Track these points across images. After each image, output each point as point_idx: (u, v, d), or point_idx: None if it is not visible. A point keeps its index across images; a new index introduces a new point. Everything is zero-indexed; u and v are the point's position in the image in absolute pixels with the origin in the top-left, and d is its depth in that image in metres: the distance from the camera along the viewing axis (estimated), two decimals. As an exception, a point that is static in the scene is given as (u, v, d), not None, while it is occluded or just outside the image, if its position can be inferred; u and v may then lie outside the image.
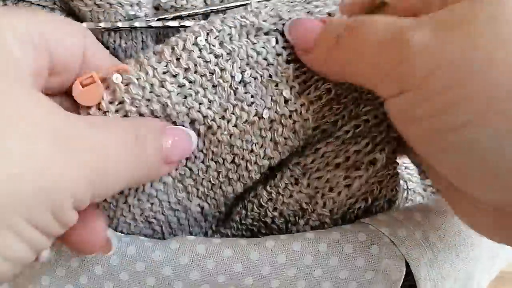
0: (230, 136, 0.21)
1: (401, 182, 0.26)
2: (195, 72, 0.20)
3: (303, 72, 0.22)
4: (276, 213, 0.23)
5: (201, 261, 0.21)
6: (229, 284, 0.21)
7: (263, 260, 0.21)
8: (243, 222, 0.24)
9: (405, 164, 0.31)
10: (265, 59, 0.21)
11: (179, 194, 0.22)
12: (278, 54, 0.21)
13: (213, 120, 0.21)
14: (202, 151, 0.21)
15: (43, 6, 0.23)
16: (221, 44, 0.21)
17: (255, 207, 0.23)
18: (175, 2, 0.25)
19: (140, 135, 0.18)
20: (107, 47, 0.25)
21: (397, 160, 0.24)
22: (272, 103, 0.21)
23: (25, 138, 0.14)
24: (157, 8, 0.25)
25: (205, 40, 0.20)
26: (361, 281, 0.22)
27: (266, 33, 0.22)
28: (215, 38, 0.21)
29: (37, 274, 0.21)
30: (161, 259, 0.21)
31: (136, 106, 0.20)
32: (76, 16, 0.25)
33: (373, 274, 0.21)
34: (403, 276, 0.22)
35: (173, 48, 0.20)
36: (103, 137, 0.17)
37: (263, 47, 0.21)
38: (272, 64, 0.21)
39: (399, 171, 0.24)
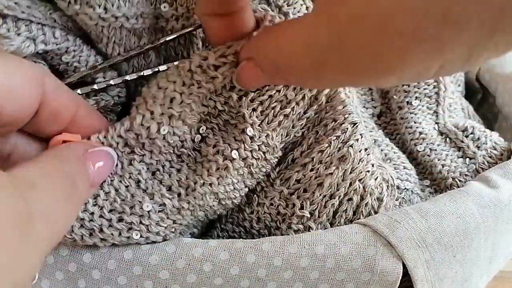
0: (211, 185, 0.22)
1: (394, 182, 0.26)
2: (159, 153, 0.21)
3: (258, 103, 0.22)
4: (253, 216, 0.24)
5: (198, 264, 0.21)
6: (225, 286, 0.21)
7: (259, 262, 0.21)
8: (223, 227, 0.25)
9: (403, 164, 0.31)
10: (214, 108, 0.22)
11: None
12: (227, 97, 0.22)
13: (187, 179, 0.22)
14: (188, 209, 0.22)
15: (43, 25, 0.23)
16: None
17: (234, 211, 0.25)
18: (176, 11, 0.25)
19: (70, 175, 0.17)
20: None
21: (384, 165, 0.24)
22: (238, 143, 0.22)
23: None
24: (157, 17, 0.25)
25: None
26: (358, 283, 0.22)
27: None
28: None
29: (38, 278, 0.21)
30: (158, 263, 0.21)
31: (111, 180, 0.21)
32: (82, 31, 0.25)
33: (370, 275, 0.21)
34: (400, 277, 0.22)
35: (137, 136, 0.21)
36: (46, 201, 0.15)
37: (210, 99, 0.22)
38: (224, 110, 0.22)
39: (379, 167, 0.25)
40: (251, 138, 0.22)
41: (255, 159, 0.23)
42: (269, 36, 0.18)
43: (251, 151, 0.22)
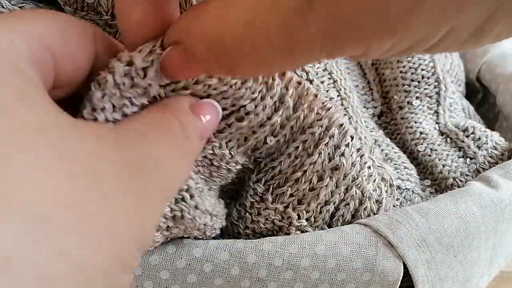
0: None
1: (395, 182, 0.26)
2: None
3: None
4: (248, 231, 0.24)
5: (198, 265, 0.21)
6: (226, 287, 0.21)
7: (260, 263, 0.21)
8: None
9: (404, 164, 0.31)
10: None
11: None
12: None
13: None
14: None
15: None
16: None
17: (228, 224, 0.24)
18: None
19: (181, 125, 0.16)
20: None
21: (384, 165, 0.24)
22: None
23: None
24: None
25: None
26: (358, 283, 0.22)
27: None
28: None
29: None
30: (158, 263, 0.21)
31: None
32: None
33: (371, 275, 0.21)
34: (401, 278, 0.22)
35: None
36: (158, 152, 0.14)
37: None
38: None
39: (376, 168, 0.24)
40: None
41: (201, 166, 0.21)
42: (205, 9, 0.14)
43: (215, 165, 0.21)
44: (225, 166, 0.22)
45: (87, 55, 0.16)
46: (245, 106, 0.20)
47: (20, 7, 0.21)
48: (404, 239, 0.22)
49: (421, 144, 0.32)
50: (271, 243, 0.22)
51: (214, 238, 0.24)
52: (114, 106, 0.16)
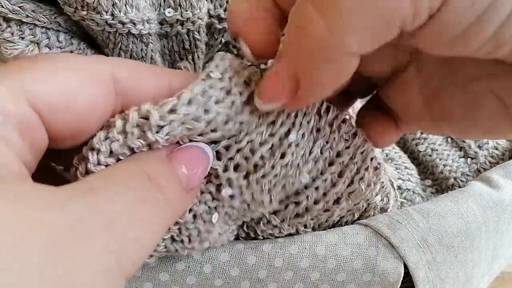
0: None
1: (395, 183, 0.26)
2: None
3: (236, 151, 0.18)
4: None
5: (198, 266, 0.21)
6: (226, 288, 0.21)
7: (259, 263, 0.21)
8: None
9: (404, 164, 0.31)
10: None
11: None
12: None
13: None
14: None
15: (47, 29, 0.23)
16: None
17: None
18: (181, 16, 0.25)
19: (148, 176, 0.14)
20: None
21: (385, 165, 0.23)
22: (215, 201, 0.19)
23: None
24: (161, 23, 0.25)
25: None
26: (359, 284, 0.21)
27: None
28: None
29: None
30: (157, 265, 0.21)
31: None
32: (86, 35, 0.25)
33: (371, 276, 0.21)
34: (402, 278, 0.21)
35: None
36: (113, 204, 0.13)
37: None
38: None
39: (388, 177, 0.23)
40: (231, 196, 0.19)
41: (236, 209, 0.20)
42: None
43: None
44: (260, 211, 0.20)
45: (102, 101, 0.15)
46: (287, 135, 0.18)
47: (20, 6, 0.21)
48: (404, 239, 0.22)
49: (422, 144, 0.32)
50: (271, 243, 0.22)
51: None
52: (111, 152, 0.15)
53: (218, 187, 0.19)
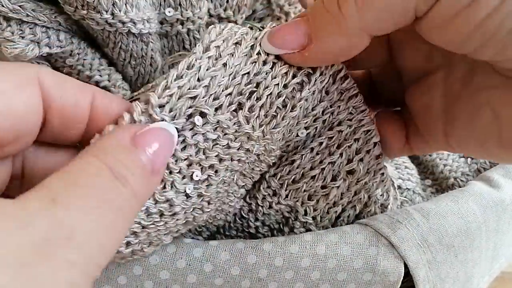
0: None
1: (396, 182, 0.26)
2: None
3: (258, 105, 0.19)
4: (258, 223, 0.24)
5: (198, 265, 0.21)
6: (226, 287, 0.21)
7: (260, 263, 0.21)
8: (227, 233, 0.24)
9: (405, 164, 0.31)
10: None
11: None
12: (210, 140, 0.19)
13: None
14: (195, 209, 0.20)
15: (47, 28, 0.23)
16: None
17: (237, 218, 0.24)
18: (181, 15, 0.25)
19: (112, 170, 0.14)
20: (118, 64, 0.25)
21: (385, 164, 0.24)
22: (241, 164, 0.20)
23: None
24: (161, 23, 0.25)
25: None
26: (359, 283, 0.21)
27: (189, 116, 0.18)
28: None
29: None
30: (158, 263, 0.21)
31: None
32: (86, 34, 0.25)
33: (371, 275, 0.21)
34: (402, 278, 0.21)
35: None
36: (76, 214, 0.12)
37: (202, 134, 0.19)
38: (224, 145, 0.19)
39: (388, 174, 0.24)
40: (247, 150, 0.20)
41: (247, 162, 0.21)
42: None
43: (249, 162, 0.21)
44: (267, 161, 0.22)
45: (31, 103, 0.15)
46: (301, 89, 0.19)
47: (20, 6, 0.21)
48: (405, 239, 0.22)
49: (422, 144, 0.32)
50: (272, 243, 0.22)
51: (214, 238, 0.24)
52: None
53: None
